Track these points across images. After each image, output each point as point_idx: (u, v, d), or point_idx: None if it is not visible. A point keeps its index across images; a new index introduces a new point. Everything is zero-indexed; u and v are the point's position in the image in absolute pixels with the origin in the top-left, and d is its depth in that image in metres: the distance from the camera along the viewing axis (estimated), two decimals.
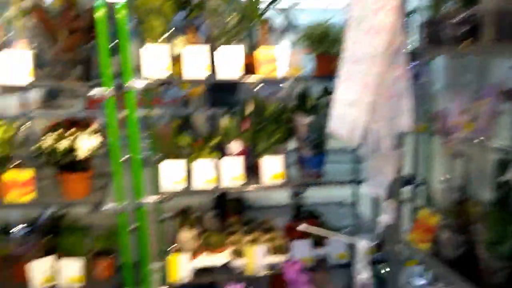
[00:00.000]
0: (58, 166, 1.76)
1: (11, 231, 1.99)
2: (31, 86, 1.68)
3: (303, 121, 2.03)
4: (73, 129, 1.78)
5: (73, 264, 1.89)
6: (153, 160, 2.12)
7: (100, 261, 2.00)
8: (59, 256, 1.91)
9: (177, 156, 1.95)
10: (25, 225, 2.02)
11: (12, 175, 1.71)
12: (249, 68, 1.89)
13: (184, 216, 2.25)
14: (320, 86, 2.17)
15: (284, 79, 1.98)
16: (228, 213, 2.39)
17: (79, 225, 2.10)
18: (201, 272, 2.07)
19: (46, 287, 1.88)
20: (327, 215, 2.43)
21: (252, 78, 1.90)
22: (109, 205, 1.83)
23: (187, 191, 1.96)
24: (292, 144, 2.16)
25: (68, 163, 1.74)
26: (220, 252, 2.11)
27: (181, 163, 1.93)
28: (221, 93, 2.51)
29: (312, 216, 2.37)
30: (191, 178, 1.94)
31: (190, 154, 1.96)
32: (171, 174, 1.92)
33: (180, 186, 1.94)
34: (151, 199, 1.90)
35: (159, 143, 2.10)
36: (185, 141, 2.00)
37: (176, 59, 1.83)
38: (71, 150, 1.70)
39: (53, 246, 1.97)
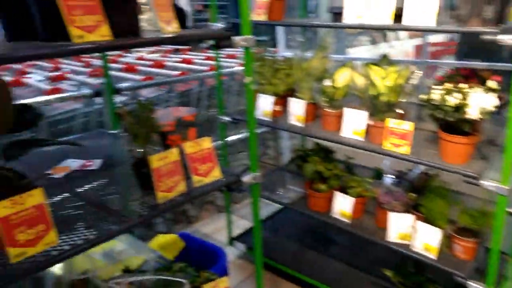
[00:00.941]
0: (442, 122, 1.57)
1: (381, 178, 2.03)
2: (433, 31, 1.49)
3: None
4: (466, 84, 1.51)
5: (432, 232, 1.73)
6: None
7: (462, 239, 1.73)
8: (419, 218, 1.80)
9: None
10: (394, 176, 2.00)
11: (394, 123, 1.67)
12: None
13: None
14: None
15: None
16: None
17: (448, 191, 1.88)
18: None
19: (401, 243, 1.83)
20: None
21: None
22: (489, 183, 1.48)
23: None
24: None
25: (454, 122, 1.51)
26: None
27: None
28: None
29: None
30: None
31: None
32: None
33: None
34: None
35: None
36: None
37: None
38: (460, 107, 1.45)
39: (417, 204, 1.87)
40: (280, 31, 3.30)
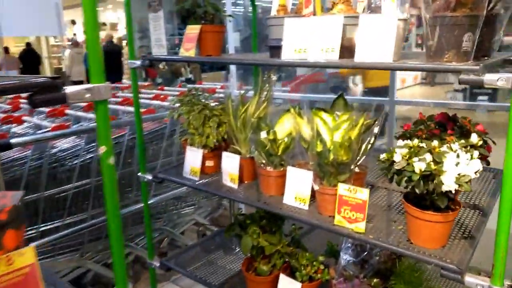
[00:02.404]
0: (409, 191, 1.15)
1: (337, 254, 1.58)
2: (391, 68, 1.10)
3: None
4: (439, 135, 1.11)
5: None
6: None
7: None
8: None
9: None
10: (353, 251, 1.55)
11: (344, 190, 1.25)
12: None
13: None
14: None
15: None
16: None
17: (421, 275, 1.44)
18: None
19: None
20: None
21: None
22: (476, 280, 1.05)
23: None
24: None
25: (423, 195, 1.09)
26: None
27: None
28: None
29: None
30: None
31: None
32: None
33: None
34: None
35: None
36: None
37: None
38: (430, 175, 1.04)
39: None
40: (232, 67, 2.93)
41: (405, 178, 1.09)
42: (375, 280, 1.41)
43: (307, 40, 1.29)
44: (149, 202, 2.02)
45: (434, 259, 1.10)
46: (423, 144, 1.12)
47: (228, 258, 2.03)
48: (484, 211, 1.36)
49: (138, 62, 1.69)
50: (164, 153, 2.68)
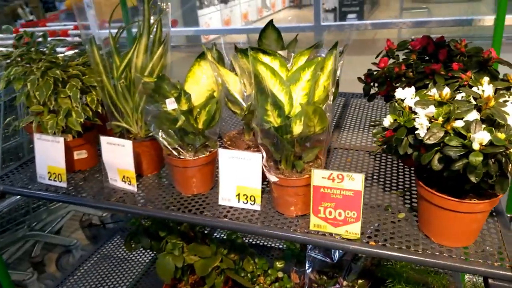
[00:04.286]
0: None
1: (301, 258, 1.13)
2: None
3: None
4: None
5: None
6: None
7: None
8: None
9: None
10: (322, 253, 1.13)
11: (323, 177, 0.76)
12: None
13: None
14: None
15: None
16: None
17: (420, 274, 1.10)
18: None
19: None
20: None
21: None
22: None
23: None
24: None
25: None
26: None
27: None
28: None
29: None
30: None
31: None
32: None
33: None
34: None
35: None
36: None
37: None
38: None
39: None
40: None
41: (439, 157, 0.64)
42: (359, 282, 1.01)
43: None
44: None
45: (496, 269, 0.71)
46: (458, 93, 0.67)
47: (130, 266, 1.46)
48: None
49: None
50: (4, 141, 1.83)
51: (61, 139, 0.99)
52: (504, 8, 1.10)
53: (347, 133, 1.22)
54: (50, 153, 1.01)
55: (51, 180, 1.03)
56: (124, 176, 0.98)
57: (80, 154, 1.07)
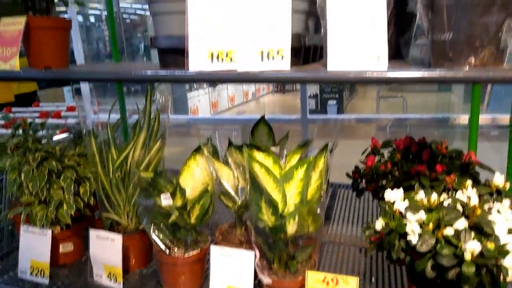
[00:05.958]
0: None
1: None
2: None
3: None
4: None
5: None
6: None
7: None
8: None
9: None
10: None
11: (317, 279, 0.75)
12: None
13: None
14: None
15: None
16: None
17: None
18: None
19: None
20: None
21: None
22: None
23: None
24: None
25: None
26: None
27: None
28: None
29: None
30: None
31: None
32: None
33: None
34: None
35: None
36: None
37: None
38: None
39: None
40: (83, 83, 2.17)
41: (432, 264, 0.65)
42: None
43: (233, 35, 0.75)
44: None
45: None
46: (444, 198, 0.70)
47: None
48: None
49: None
50: None
51: (49, 232, 0.97)
52: (477, 112, 1.20)
53: (337, 226, 1.23)
54: (35, 246, 0.98)
55: (32, 275, 0.98)
56: (110, 273, 0.95)
57: (66, 247, 1.04)
